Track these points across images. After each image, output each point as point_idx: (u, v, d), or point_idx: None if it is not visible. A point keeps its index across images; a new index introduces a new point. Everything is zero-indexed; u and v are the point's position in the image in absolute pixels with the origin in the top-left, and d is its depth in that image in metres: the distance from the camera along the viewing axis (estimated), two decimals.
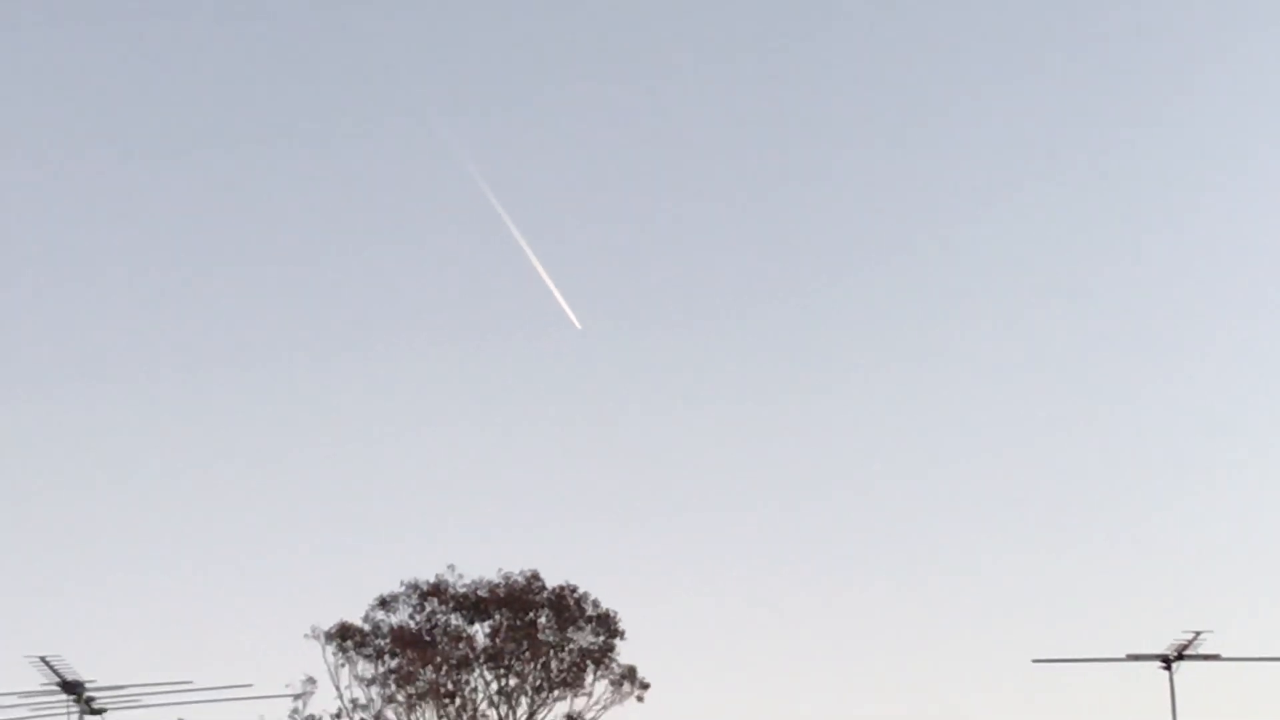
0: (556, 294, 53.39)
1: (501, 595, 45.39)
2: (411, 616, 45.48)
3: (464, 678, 45.19)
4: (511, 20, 66.82)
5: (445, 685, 44.90)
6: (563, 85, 67.47)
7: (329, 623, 45.01)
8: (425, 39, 66.40)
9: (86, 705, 19.67)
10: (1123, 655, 21.07)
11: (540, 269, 53.03)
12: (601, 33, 68.10)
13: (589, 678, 45.60)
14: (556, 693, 45.49)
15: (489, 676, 45.35)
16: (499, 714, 45.13)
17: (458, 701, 44.93)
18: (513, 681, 45.33)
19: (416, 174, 66.27)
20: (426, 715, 44.93)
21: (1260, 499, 59.34)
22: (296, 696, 44.32)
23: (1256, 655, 21.76)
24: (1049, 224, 66.42)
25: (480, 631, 45.51)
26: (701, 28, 67.68)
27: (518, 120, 67.02)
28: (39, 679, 19.56)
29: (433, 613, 45.49)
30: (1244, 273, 65.69)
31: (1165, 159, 67.04)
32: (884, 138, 67.97)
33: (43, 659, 19.39)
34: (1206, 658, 20.75)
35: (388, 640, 44.97)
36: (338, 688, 44.77)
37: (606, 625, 45.72)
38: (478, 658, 45.25)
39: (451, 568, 45.83)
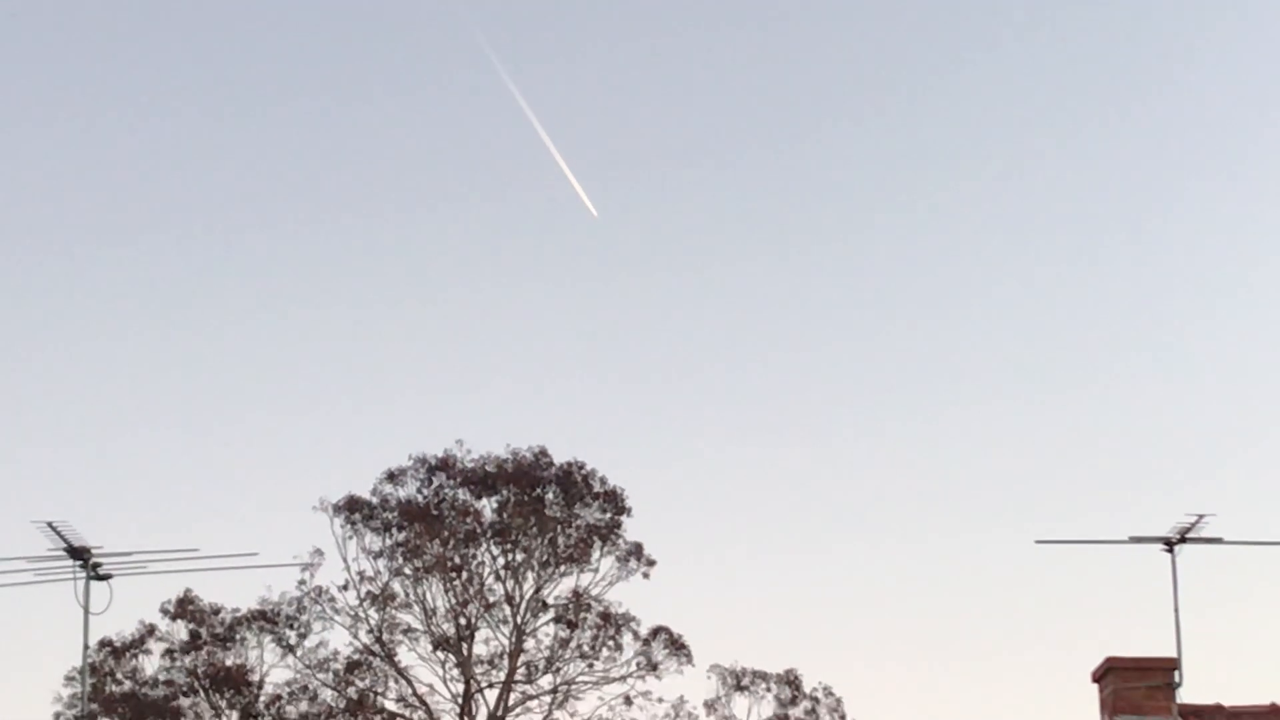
0: (573, 180, 53.33)
1: (509, 471, 45.48)
2: (419, 490, 45.63)
3: (471, 552, 45.42)
4: None
5: (452, 559, 45.13)
6: None
7: (337, 495, 45.29)
8: None
9: (93, 571, 19.72)
10: (1125, 538, 20.98)
11: (557, 155, 52.95)
12: None
13: (595, 554, 45.83)
14: (563, 568, 45.73)
15: (496, 551, 45.59)
16: (505, 589, 45.40)
17: (464, 575, 45.19)
18: (519, 556, 45.57)
19: (435, 61, 65.90)
20: (433, 589, 45.23)
21: (1265, 382, 59.40)
22: (304, 567, 44.65)
23: (1259, 539, 21.74)
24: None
25: (488, 506, 45.67)
26: None
27: (537, 7, 66.58)
28: (45, 544, 19.62)
29: (440, 487, 45.61)
30: (1249, 170, 65.25)
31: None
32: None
33: (49, 524, 19.42)
34: (1209, 541, 20.69)
35: (395, 514, 45.13)
36: (345, 560, 45.11)
37: (614, 502, 45.85)
38: (485, 532, 45.44)
39: (460, 442, 45.97)
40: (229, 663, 45.53)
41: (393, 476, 45.62)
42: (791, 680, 46.02)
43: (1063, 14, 64.68)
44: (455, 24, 62.45)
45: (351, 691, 45.32)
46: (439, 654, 45.09)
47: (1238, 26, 64.37)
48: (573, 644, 45.54)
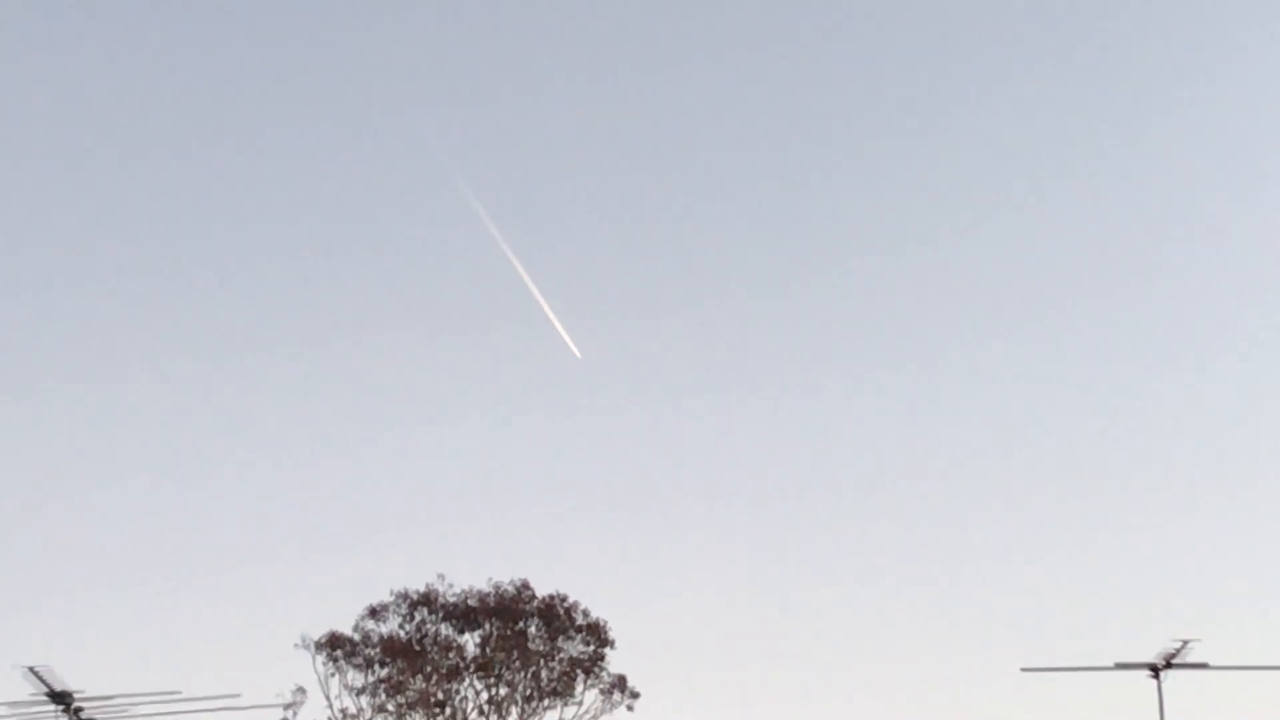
0: (555, 321, 53.94)
1: (491, 604, 45.40)
2: (401, 626, 45.52)
3: (454, 687, 45.18)
4: (512, 38, 67.52)
5: (435, 695, 44.88)
6: (560, 103, 68.06)
7: (319, 632, 45.09)
8: (422, 58, 67.04)
9: (75, 715, 19.66)
10: (1111, 664, 21.08)
11: (540, 297, 53.65)
12: (603, 49, 68.68)
13: (579, 687, 45.63)
14: (546, 702, 45.52)
15: (479, 686, 45.36)
16: None
17: (448, 711, 44.93)
18: (503, 691, 45.34)
19: (417, 201, 66.77)
20: None
21: (1248, 508, 59.49)
22: (286, 706, 44.18)
23: (1245, 664, 21.76)
24: (1051, 235, 66.63)
25: (470, 641, 45.55)
26: (696, 34, 68.25)
27: (518, 145, 67.59)
28: (27, 689, 19.57)
29: (423, 622, 45.50)
30: (1241, 295, 65.92)
31: (1176, 164, 67.14)
32: (878, 143, 68.27)
33: (31, 669, 19.37)
34: (1195, 666, 20.77)
35: (378, 650, 44.95)
36: (328, 697, 44.84)
37: (596, 634, 45.73)
38: (468, 667, 45.26)
39: (441, 577, 45.91)
40: None
41: (374, 612, 45.50)
42: None
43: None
44: (443, 178, 63.53)
45: None
46: None
47: None
48: None
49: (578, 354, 55.57)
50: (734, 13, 67.11)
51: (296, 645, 44.82)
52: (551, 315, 53.51)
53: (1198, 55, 67.03)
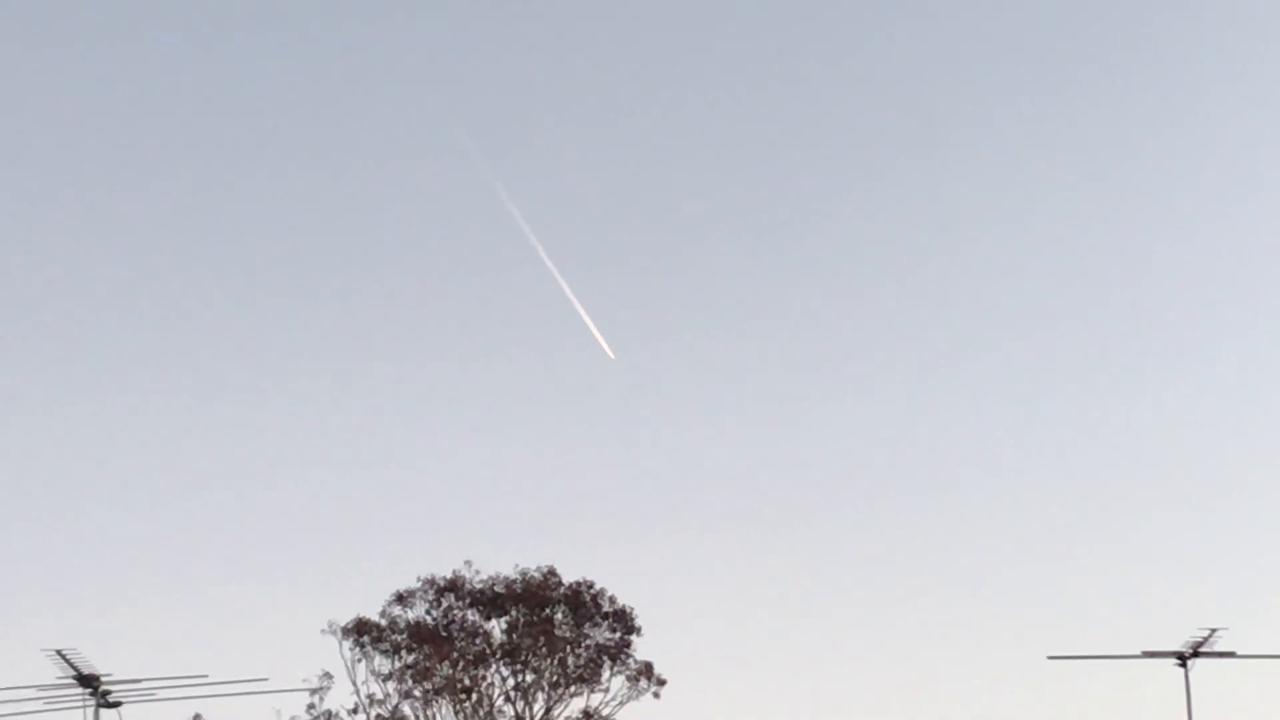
0: (588, 320, 54.30)
1: (518, 591, 45.38)
2: (428, 612, 45.51)
3: (481, 673, 45.19)
4: (549, 49, 68.17)
5: (462, 681, 44.90)
6: (597, 115, 68.78)
7: (346, 618, 45.09)
8: (461, 69, 67.72)
9: (102, 699, 19.73)
10: (1138, 652, 21.02)
11: (574, 298, 54.09)
12: (635, 63, 69.33)
13: (605, 673, 45.61)
14: (573, 688, 45.50)
15: (505, 672, 45.37)
16: (515, 710, 45.14)
17: (474, 697, 44.94)
18: (529, 677, 45.34)
19: (454, 207, 67.43)
20: (443, 711, 44.96)
21: (1276, 496, 59.34)
22: (313, 691, 44.41)
23: (1272, 652, 21.70)
24: (1061, 231, 66.77)
25: (497, 627, 45.53)
26: (730, 59, 69.02)
27: (553, 152, 68.17)
28: (55, 672, 19.67)
29: (449, 608, 45.49)
30: (1253, 278, 65.92)
31: (1173, 169, 67.38)
32: (897, 160, 68.96)
33: (59, 652, 19.45)
34: (1222, 655, 20.71)
35: (404, 636, 44.96)
36: (354, 683, 44.87)
37: (623, 621, 45.69)
38: (494, 653, 45.25)
39: (468, 563, 45.92)
40: None
41: (401, 598, 45.52)
42: None
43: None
44: (477, 180, 64.01)
45: None
46: None
47: None
48: None
49: (611, 355, 55.86)
50: (762, 53, 68.04)
51: (324, 631, 44.91)
52: (584, 314, 53.81)
53: (1191, 69, 67.29)
